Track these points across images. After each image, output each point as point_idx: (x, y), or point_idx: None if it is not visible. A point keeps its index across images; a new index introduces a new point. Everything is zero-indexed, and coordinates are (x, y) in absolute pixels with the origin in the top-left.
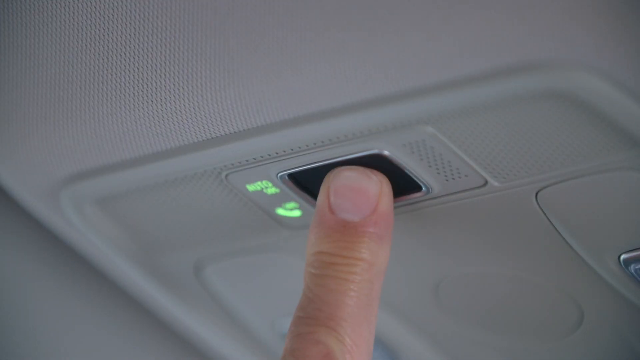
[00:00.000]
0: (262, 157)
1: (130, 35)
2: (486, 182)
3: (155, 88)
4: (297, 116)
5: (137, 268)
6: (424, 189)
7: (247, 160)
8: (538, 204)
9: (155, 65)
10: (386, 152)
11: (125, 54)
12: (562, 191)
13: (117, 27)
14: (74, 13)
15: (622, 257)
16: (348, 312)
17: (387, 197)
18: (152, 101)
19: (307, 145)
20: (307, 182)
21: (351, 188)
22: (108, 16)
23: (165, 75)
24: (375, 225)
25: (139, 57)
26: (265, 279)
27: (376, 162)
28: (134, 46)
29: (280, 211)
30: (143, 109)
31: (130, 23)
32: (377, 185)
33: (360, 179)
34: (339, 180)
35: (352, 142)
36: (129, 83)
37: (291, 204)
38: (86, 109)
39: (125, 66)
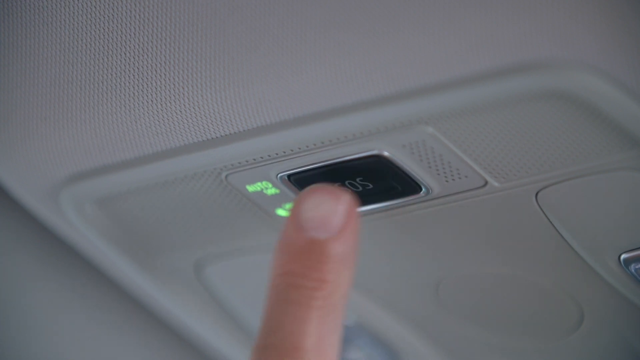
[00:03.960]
0: (262, 157)
1: (130, 35)
2: (486, 183)
3: (155, 88)
4: (297, 116)
5: (137, 268)
6: (423, 189)
7: (247, 161)
8: (538, 204)
9: (155, 65)
10: (386, 153)
11: (125, 54)
12: (562, 191)
13: (116, 27)
14: (73, 13)
15: (622, 256)
16: (313, 342)
17: (354, 218)
18: (152, 101)
19: (307, 146)
20: (307, 183)
21: (319, 206)
22: (108, 16)
23: (165, 75)
24: (342, 244)
25: (138, 57)
26: (265, 279)
27: (376, 163)
28: (134, 46)
29: (280, 212)
30: (143, 109)
31: (130, 23)
32: (344, 204)
33: (328, 198)
34: (308, 199)
35: (352, 143)
36: (129, 83)
37: (291, 205)
38: (86, 109)
39: (125, 66)
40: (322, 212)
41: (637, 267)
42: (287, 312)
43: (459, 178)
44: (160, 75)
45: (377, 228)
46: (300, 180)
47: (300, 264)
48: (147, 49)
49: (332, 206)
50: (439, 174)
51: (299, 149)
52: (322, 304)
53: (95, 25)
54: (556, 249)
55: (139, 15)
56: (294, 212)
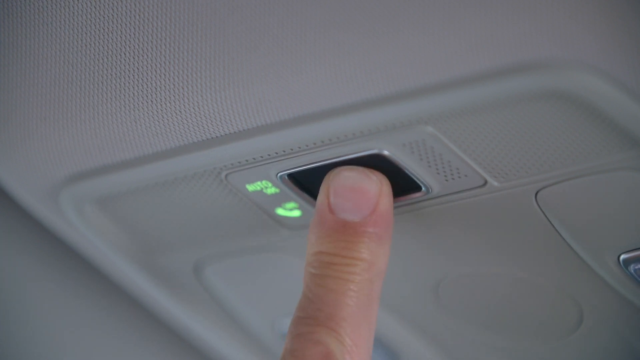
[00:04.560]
0: (261, 157)
1: (130, 35)
2: (486, 182)
3: (155, 88)
4: (297, 116)
5: (137, 268)
6: (423, 189)
7: (246, 160)
8: (538, 204)
9: (155, 65)
10: (386, 152)
11: (125, 54)
12: (562, 191)
13: (116, 27)
14: (73, 13)
15: (622, 257)
16: (348, 313)
17: (387, 197)
18: (152, 101)
19: (306, 145)
20: (306, 182)
21: (351, 188)
22: (108, 16)
23: (165, 75)
24: (375, 225)
25: (138, 57)
26: (265, 279)
27: (376, 162)
28: (134, 46)
29: (280, 211)
30: (143, 109)
31: (130, 23)
32: (377, 185)
33: (360, 179)
34: (339, 180)
35: (352, 142)
36: (129, 83)
37: (291, 204)
38: (86, 109)
39: (125, 66)
40: (352, 194)
41: (636, 267)
42: (323, 285)
43: (459, 177)
44: (160, 76)
45: None
46: (300, 180)
47: (333, 244)
48: (147, 49)
49: (363, 188)
50: (438, 173)
51: (299, 148)
52: (358, 278)
53: (95, 25)
54: (556, 249)
55: (139, 15)
56: (325, 193)
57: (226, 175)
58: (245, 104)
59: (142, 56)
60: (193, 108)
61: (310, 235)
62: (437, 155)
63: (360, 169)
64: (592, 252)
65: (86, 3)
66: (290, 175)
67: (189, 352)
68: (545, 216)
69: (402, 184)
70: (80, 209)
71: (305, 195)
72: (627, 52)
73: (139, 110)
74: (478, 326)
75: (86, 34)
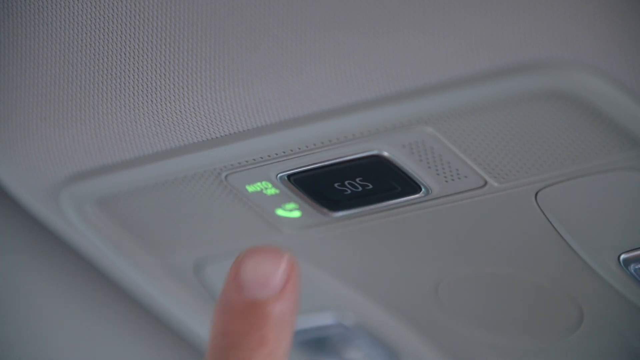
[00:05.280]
0: (261, 157)
1: (130, 35)
2: (486, 183)
3: (155, 88)
4: (297, 116)
5: (137, 268)
6: (423, 190)
7: (246, 161)
8: (538, 204)
9: (155, 65)
10: (385, 153)
11: (125, 54)
12: (562, 191)
13: (117, 27)
14: (73, 13)
15: (622, 257)
16: None
17: (295, 277)
18: (152, 101)
19: (306, 146)
20: (306, 183)
21: (259, 267)
22: (108, 16)
23: (165, 75)
24: (282, 304)
25: (138, 57)
26: None
27: (376, 163)
28: (134, 46)
29: (280, 212)
30: (143, 109)
31: (130, 23)
32: (286, 264)
33: (268, 259)
34: (248, 260)
35: (351, 143)
36: (129, 83)
37: (291, 205)
38: (86, 109)
39: (125, 66)
40: (262, 272)
41: (636, 267)
42: None
43: (459, 178)
44: (160, 75)
45: (377, 228)
46: (300, 180)
47: (240, 323)
48: (147, 49)
49: (273, 266)
50: (438, 174)
51: (299, 149)
52: None
53: (95, 25)
54: (556, 249)
55: (139, 15)
56: (234, 272)
57: (226, 176)
58: (245, 104)
59: (142, 56)
60: (193, 108)
61: (215, 314)
62: (436, 156)
63: (269, 248)
64: (592, 252)
65: (86, 3)
66: (290, 176)
67: (189, 352)
68: (545, 216)
69: (402, 185)
70: (80, 209)
71: (305, 197)
72: (627, 52)
73: (139, 110)
74: (478, 326)
75: (86, 34)
